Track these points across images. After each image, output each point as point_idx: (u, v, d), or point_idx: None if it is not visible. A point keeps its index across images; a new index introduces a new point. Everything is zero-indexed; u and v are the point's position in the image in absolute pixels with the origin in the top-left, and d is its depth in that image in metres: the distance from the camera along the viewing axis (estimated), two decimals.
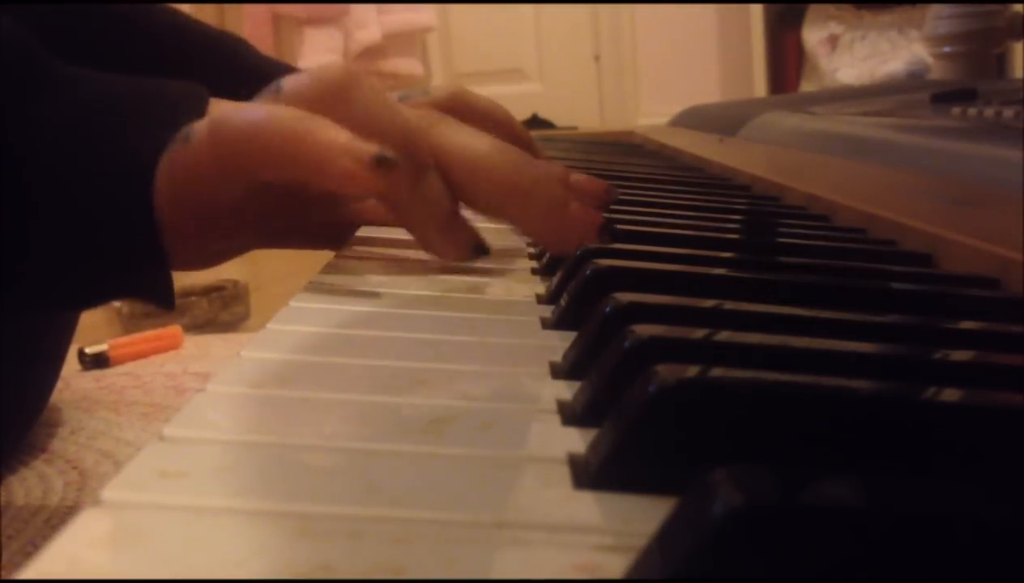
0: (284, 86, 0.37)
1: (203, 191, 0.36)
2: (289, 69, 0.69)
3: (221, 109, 0.36)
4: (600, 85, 3.17)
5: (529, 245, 0.44)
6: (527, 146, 0.54)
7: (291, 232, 0.46)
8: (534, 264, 0.40)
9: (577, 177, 0.43)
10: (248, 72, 0.61)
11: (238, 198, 0.38)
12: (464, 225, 0.38)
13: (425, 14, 3.01)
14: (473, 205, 0.38)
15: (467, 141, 0.38)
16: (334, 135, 0.34)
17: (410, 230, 0.38)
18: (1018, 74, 1.68)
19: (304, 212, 0.43)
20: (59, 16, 0.54)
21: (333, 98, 0.36)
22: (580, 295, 0.29)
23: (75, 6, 0.59)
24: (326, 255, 0.40)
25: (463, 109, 0.59)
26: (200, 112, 0.38)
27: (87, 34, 0.56)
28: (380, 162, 0.33)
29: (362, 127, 0.36)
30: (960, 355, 0.22)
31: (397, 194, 0.36)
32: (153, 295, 0.39)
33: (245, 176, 0.36)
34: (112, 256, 0.37)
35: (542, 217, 0.37)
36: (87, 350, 1.11)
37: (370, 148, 0.34)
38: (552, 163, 0.43)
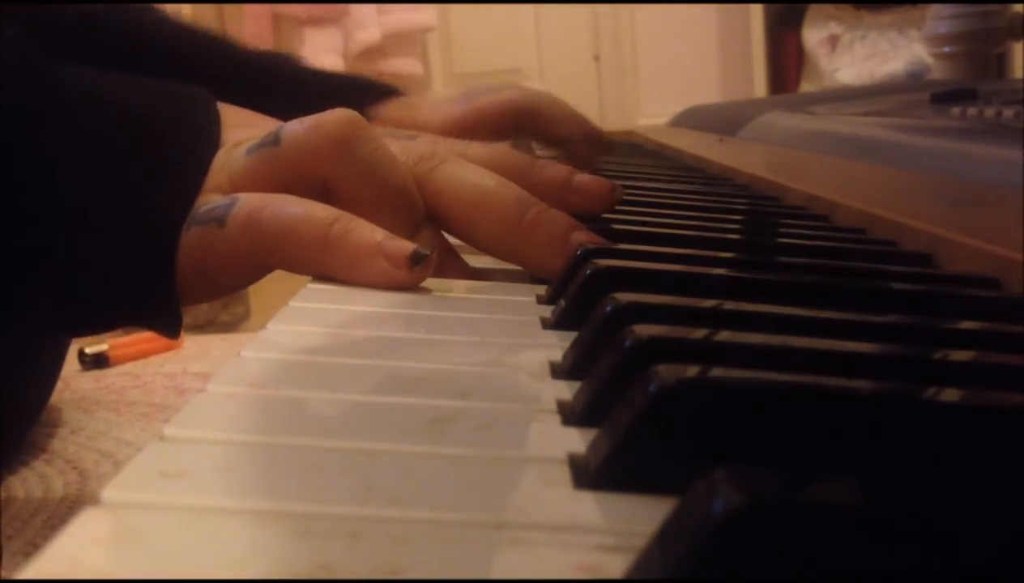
0: (283, 138, 0.37)
1: (226, 272, 0.37)
2: (343, 80, 0.70)
3: (252, 198, 0.36)
4: (600, 85, 3.17)
5: None
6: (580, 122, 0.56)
7: None
8: None
9: (581, 177, 0.43)
10: (305, 89, 0.62)
11: (257, 278, 0.39)
12: (457, 266, 0.38)
13: (425, 14, 3.01)
14: (477, 245, 0.39)
15: (468, 182, 0.38)
16: (368, 237, 0.34)
17: None
18: (1018, 74, 1.68)
19: None
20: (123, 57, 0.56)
21: (332, 150, 0.36)
22: (580, 295, 0.29)
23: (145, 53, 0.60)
24: None
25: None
26: (215, 134, 0.39)
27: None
28: (416, 261, 0.33)
29: (359, 180, 0.36)
30: (960, 355, 0.22)
31: None
32: (163, 331, 0.40)
33: (272, 267, 0.37)
34: (128, 299, 0.38)
35: (544, 254, 0.36)
36: (87, 350, 1.11)
37: (404, 248, 0.34)
38: (555, 166, 0.43)
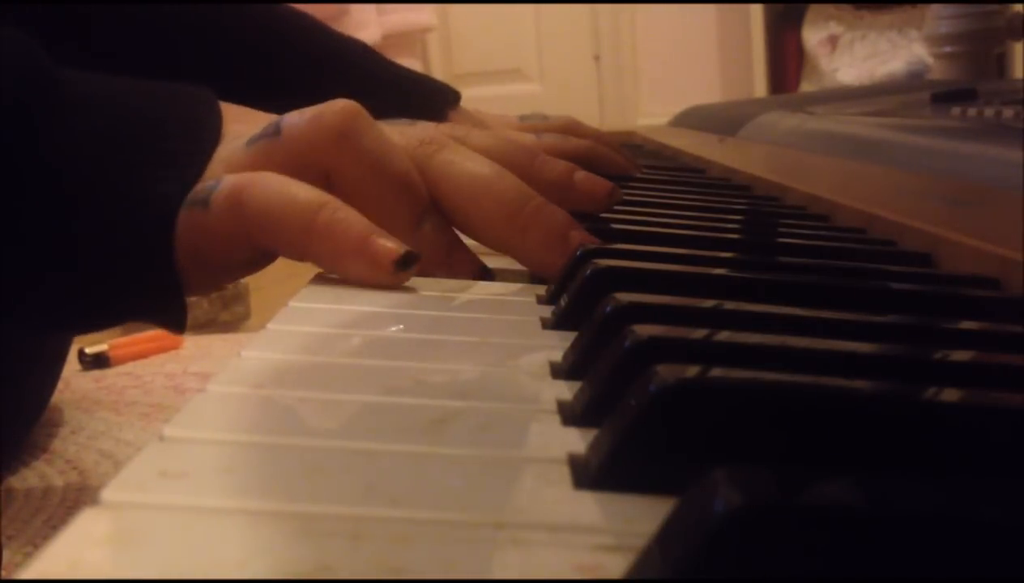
0: (283, 129, 0.37)
1: (217, 254, 0.37)
2: (420, 80, 0.71)
3: (236, 177, 0.36)
4: (600, 85, 3.17)
5: None
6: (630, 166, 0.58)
7: None
8: None
9: (581, 175, 0.43)
10: (374, 81, 0.63)
11: (248, 261, 0.38)
12: (464, 255, 0.37)
13: (425, 14, 3.01)
14: (472, 235, 0.38)
15: (466, 170, 0.37)
16: (356, 232, 0.33)
17: None
18: (1018, 74, 1.68)
19: None
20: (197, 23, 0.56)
21: (332, 143, 0.36)
22: (580, 295, 0.29)
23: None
24: None
25: (577, 136, 0.63)
26: (215, 128, 0.39)
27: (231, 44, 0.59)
28: (403, 264, 0.33)
29: (361, 172, 0.36)
30: (960, 355, 0.22)
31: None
32: (168, 323, 0.40)
33: (258, 248, 0.37)
34: (129, 288, 0.38)
35: (540, 251, 0.36)
36: (87, 350, 1.10)
37: (390, 252, 0.33)
38: (557, 163, 0.43)
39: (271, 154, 0.37)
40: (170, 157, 0.38)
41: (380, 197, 0.36)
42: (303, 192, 0.34)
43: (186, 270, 0.37)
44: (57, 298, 0.38)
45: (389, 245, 0.33)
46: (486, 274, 0.37)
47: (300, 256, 0.35)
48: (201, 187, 0.36)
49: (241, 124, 0.40)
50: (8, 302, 0.38)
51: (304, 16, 0.68)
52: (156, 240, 0.36)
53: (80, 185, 0.37)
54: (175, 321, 0.39)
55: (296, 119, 0.37)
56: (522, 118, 0.70)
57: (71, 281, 0.37)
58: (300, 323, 0.28)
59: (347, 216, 0.34)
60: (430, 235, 0.37)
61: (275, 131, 0.37)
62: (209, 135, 0.39)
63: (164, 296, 0.38)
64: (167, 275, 0.37)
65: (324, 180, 0.36)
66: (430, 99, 0.69)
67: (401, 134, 0.38)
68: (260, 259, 0.39)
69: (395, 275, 0.33)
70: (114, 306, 0.39)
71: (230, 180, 0.36)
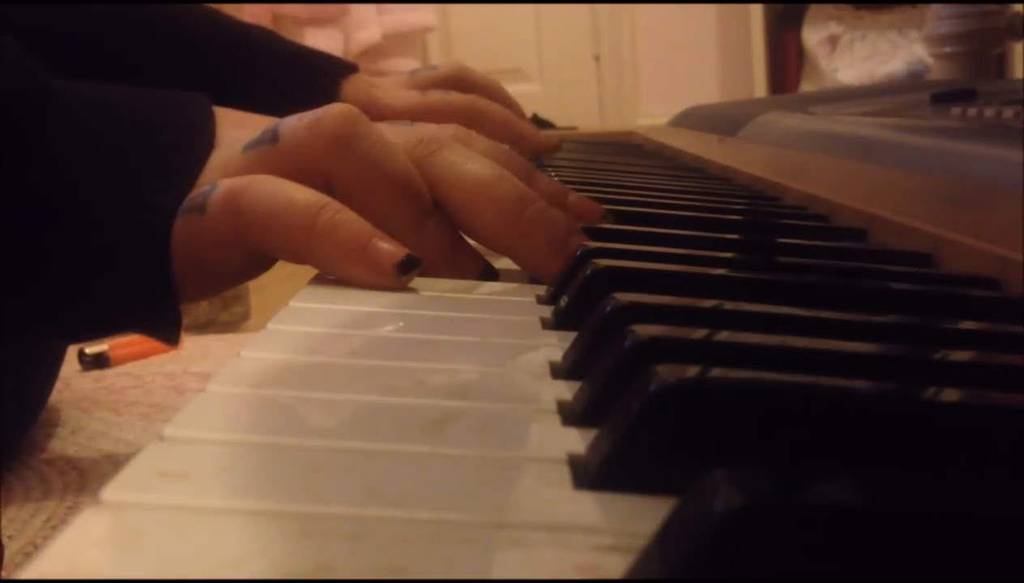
0: (281, 135, 0.36)
1: (218, 258, 0.37)
2: (317, 55, 0.71)
3: (232, 181, 0.36)
4: (600, 85, 3.17)
5: None
6: (518, 116, 0.56)
7: None
8: None
9: (574, 198, 0.42)
10: (280, 60, 0.63)
11: (245, 266, 0.38)
12: (468, 254, 0.37)
13: (425, 14, 3.01)
14: (472, 236, 0.38)
15: (466, 170, 0.37)
16: (357, 236, 0.33)
17: None
18: (1018, 74, 1.68)
19: None
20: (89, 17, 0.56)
21: (332, 148, 0.36)
22: (580, 295, 0.29)
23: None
24: None
25: (465, 84, 0.62)
26: (209, 134, 0.39)
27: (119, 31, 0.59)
28: (405, 268, 0.33)
29: (362, 175, 0.36)
30: (960, 355, 0.22)
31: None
32: (162, 335, 0.40)
33: (256, 252, 0.36)
34: (124, 300, 0.38)
35: (542, 255, 0.36)
36: (87, 350, 1.10)
37: (392, 255, 0.33)
38: (550, 180, 0.43)
39: (269, 160, 0.36)
40: (163, 165, 0.37)
41: (382, 199, 0.36)
42: (302, 194, 0.34)
43: (183, 278, 0.37)
44: (51, 308, 0.38)
45: (390, 249, 0.33)
46: (491, 272, 0.37)
47: (300, 259, 0.35)
48: (197, 193, 0.36)
49: (237, 129, 0.40)
50: (2, 310, 0.38)
51: (203, 7, 0.68)
52: (151, 253, 0.36)
53: (74, 196, 0.36)
54: (169, 334, 0.39)
55: (294, 124, 0.36)
56: (412, 73, 0.70)
57: (65, 291, 0.37)
58: (300, 323, 0.28)
59: (347, 218, 0.34)
60: (433, 235, 0.37)
61: (272, 137, 0.37)
62: (203, 141, 0.39)
63: (158, 309, 0.38)
64: (162, 288, 0.37)
65: (324, 185, 0.36)
66: (329, 70, 0.69)
67: (399, 134, 0.38)
68: (257, 265, 0.38)
69: (396, 279, 0.33)
70: (107, 317, 0.39)
71: (227, 183, 0.35)
